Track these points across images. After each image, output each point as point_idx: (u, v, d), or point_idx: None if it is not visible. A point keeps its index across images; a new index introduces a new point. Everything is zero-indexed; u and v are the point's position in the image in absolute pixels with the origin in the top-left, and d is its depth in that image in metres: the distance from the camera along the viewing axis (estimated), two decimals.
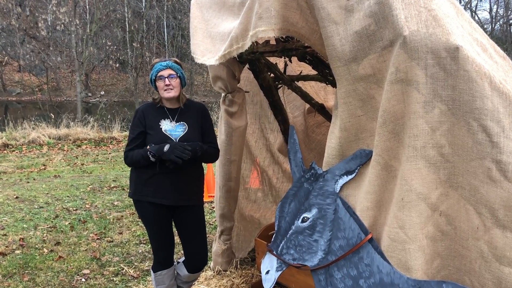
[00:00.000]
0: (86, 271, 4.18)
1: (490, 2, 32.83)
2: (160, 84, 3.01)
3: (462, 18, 2.14)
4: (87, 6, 28.04)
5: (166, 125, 3.03)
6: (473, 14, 30.17)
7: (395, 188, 2.10)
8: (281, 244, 2.55)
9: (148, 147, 2.93)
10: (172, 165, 2.88)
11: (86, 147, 13.42)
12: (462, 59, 1.86)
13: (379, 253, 2.17)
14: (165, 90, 3.00)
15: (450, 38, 1.88)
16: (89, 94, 32.98)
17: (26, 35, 31.27)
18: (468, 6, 28.25)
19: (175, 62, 3.08)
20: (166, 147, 2.86)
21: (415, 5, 1.95)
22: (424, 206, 2.02)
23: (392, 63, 2.01)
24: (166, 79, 2.98)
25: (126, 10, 29.40)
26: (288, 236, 2.52)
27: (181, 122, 3.07)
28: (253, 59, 3.22)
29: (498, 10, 33.56)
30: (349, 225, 2.30)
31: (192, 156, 2.91)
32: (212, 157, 3.19)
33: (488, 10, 33.34)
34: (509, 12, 31.91)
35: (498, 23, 33.53)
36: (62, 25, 21.56)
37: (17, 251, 4.65)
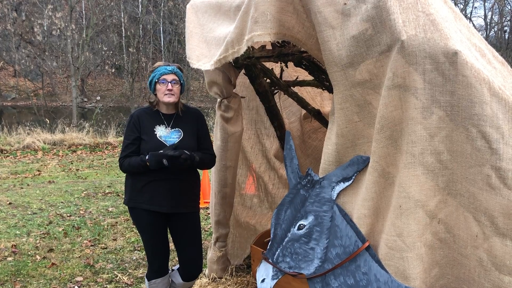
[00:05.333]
0: (79, 279, 4.11)
1: (485, 8, 33.10)
2: (161, 87, 2.96)
3: (460, 23, 2.12)
4: (83, 11, 28.08)
5: (161, 131, 2.99)
6: (468, 20, 30.33)
7: (392, 195, 2.07)
8: (277, 252, 2.51)
9: (147, 158, 2.87)
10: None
11: (81, 153, 13.34)
12: (461, 64, 1.83)
13: (376, 262, 2.14)
14: (166, 94, 2.96)
15: (449, 43, 1.85)
16: (85, 99, 32.89)
17: (22, 40, 31.18)
18: (463, 12, 28.43)
19: (179, 68, 3.05)
20: (165, 162, 2.83)
21: (413, 9, 1.93)
22: (422, 213, 1.99)
23: (389, 68, 1.98)
24: (169, 83, 2.94)
25: (122, 15, 29.43)
26: (284, 243, 2.48)
27: (177, 129, 3.03)
28: (249, 64, 3.20)
29: (493, 17, 33.82)
30: (346, 232, 2.26)
31: (189, 164, 2.87)
32: (208, 164, 3.16)
33: (483, 17, 33.59)
34: (504, 19, 32.15)
35: (493, 29, 33.78)
36: (58, 30, 21.52)
37: (9, 258, 4.59)
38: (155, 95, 3.03)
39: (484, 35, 31.83)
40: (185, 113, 3.11)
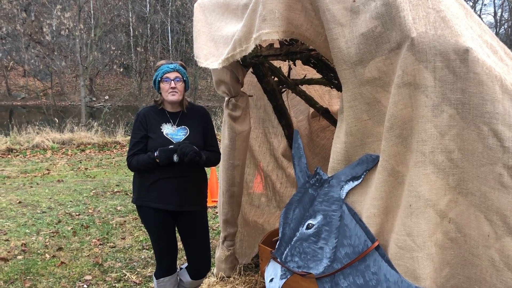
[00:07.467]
0: (88, 277, 4.13)
1: (494, 6, 32.78)
2: (165, 86, 2.97)
3: (471, 19, 2.09)
4: (92, 11, 28.20)
5: (168, 129, 3.00)
6: None
7: (402, 194, 2.05)
8: (286, 252, 2.50)
9: (156, 154, 2.88)
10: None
11: (90, 152, 13.41)
12: (472, 61, 1.81)
13: (386, 261, 2.12)
14: (170, 92, 2.97)
15: (460, 40, 1.83)
16: (93, 99, 33.04)
17: (31, 40, 31.43)
18: (473, 10, 28.17)
19: (182, 65, 3.05)
20: (176, 158, 2.84)
21: (423, 6, 1.90)
22: (432, 213, 1.96)
23: (399, 66, 1.96)
24: (172, 81, 2.95)
25: (130, 15, 29.49)
26: (292, 243, 2.47)
27: (183, 126, 3.04)
28: (257, 62, 3.18)
29: (503, 14, 33.48)
30: (355, 232, 2.24)
31: (197, 161, 2.88)
32: (214, 162, 3.16)
33: (493, 14, 33.27)
34: None
35: (502, 27, 33.45)
36: (67, 30, 21.61)
37: (19, 257, 4.62)
38: (160, 93, 3.04)
39: (494, 32, 31.50)
40: (191, 110, 3.11)
